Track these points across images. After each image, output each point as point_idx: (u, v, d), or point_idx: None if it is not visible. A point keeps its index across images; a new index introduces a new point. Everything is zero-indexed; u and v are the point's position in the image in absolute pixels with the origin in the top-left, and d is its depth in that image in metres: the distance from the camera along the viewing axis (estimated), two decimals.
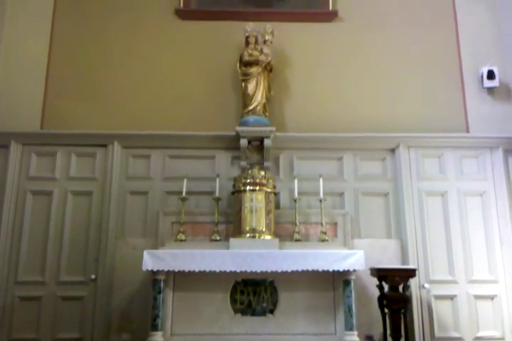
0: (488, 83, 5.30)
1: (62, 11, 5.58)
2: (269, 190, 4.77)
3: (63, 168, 5.08)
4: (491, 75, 5.28)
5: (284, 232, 4.85)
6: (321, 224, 4.77)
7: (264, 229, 4.62)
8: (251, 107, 5.12)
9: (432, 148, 5.18)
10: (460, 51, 5.53)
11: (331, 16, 5.62)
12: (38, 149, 5.10)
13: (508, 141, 5.14)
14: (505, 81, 5.37)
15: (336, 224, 4.95)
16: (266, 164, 5.08)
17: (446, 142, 5.16)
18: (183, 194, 4.82)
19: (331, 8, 5.62)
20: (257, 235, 4.59)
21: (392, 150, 5.21)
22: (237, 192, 4.79)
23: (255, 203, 4.70)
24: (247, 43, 5.31)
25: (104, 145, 5.11)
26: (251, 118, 5.04)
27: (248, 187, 4.73)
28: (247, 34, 5.32)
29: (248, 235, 4.59)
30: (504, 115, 5.32)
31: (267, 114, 5.16)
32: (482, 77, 5.35)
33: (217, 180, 4.89)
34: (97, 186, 5.03)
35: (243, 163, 5.07)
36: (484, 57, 5.45)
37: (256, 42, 5.31)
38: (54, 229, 4.92)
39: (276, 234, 4.71)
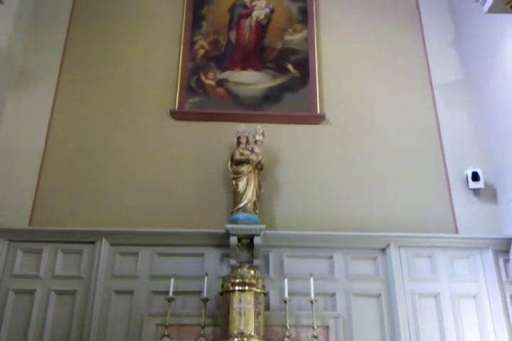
0: (473, 184, 5.43)
1: (60, 106, 5.80)
2: (258, 290, 4.66)
3: (48, 266, 4.96)
4: (475, 177, 5.42)
5: (274, 336, 4.64)
6: (313, 328, 4.59)
7: (252, 333, 4.43)
8: (241, 205, 5.15)
9: (422, 248, 5.16)
10: (444, 154, 5.73)
11: (318, 119, 5.89)
12: (25, 246, 5.01)
13: (497, 241, 5.15)
14: (489, 182, 5.51)
15: (327, 327, 4.77)
16: (255, 262, 4.99)
17: (436, 242, 5.17)
18: (170, 294, 4.68)
19: (318, 111, 5.91)
20: (245, 340, 4.39)
21: (383, 250, 5.18)
22: (225, 293, 4.67)
23: (244, 304, 4.56)
24: (239, 143, 5.48)
25: (92, 242, 5.03)
26: (241, 215, 5.06)
27: (237, 288, 4.61)
28: (238, 134, 5.50)
29: (236, 340, 4.39)
30: (491, 216, 5.39)
31: (257, 211, 5.18)
32: (467, 178, 5.49)
33: (206, 279, 4.78)
34: (81, 285, 4.87)
35: (232, 261, 4.99)
36: (468, 159, 5.63)
37: (247, 142, 5.48)
38: (33, 331, 4.68)
39: (265, 338, 4.51)
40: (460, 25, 6.41)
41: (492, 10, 4.75)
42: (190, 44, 6.22)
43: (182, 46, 6.19)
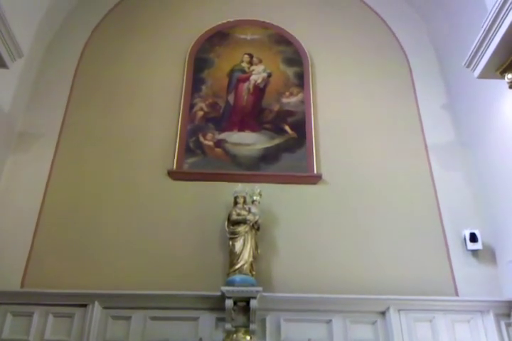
0: (471, 246, 5.38)
1: (59, 168, 5.82)
2: None
3: (38, 331, 4.79)
4: (473, 238, 5.39)
5: None
6: None
7: None
8: (238, 266, 5.08)
9: (422, 311, 5.03)
10: (441, 215, 5.72)
11: (315, 179, 5.93)
12: (15, 309, 4.87)
13: (498, 304, 5.04)
14: (488, 243, 5.46)
15: None
16: (252, 327, 4.84)
17: (436, 305, 5.04)
18: None
19: (315, 171, 5.96)
20: None
21: (383, 313, 5.05)
22: None
23: None
24: (236, 203, 5.48)
25: (84, 305, 4.91)
26: (237, 277, 4.97)
27: None
28: (235, 194, 5.51)
29: None
30: (490, 278, 5.31)
31: (253, 273, 5.10)
32: (465, 239, 5.45)
33: None
34: None
35: (228, 326, 4.83)
36: (465, 220, 5.62)
37: (244, 202, 5.48)
38: None
39: None
40: (452, 88, 6.59)
41: (482, 76, 4.90)
42: (190, 106, 6.38)
43: (182, 108, 6.33)
